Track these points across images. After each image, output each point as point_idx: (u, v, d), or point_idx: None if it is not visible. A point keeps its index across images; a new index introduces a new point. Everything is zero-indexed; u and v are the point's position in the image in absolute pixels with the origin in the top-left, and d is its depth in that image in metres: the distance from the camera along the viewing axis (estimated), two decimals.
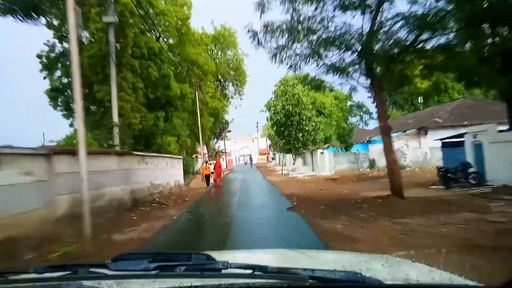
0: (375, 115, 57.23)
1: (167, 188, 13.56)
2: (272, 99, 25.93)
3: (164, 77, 20.72)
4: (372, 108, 58.63)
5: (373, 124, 56.45)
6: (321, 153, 20.92)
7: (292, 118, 23.85)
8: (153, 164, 11.78)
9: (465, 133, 12.46)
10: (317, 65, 8.69)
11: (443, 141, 14.63)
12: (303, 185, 14.67)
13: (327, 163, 19.99)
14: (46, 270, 1.12)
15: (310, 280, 0.95)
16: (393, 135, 21.29)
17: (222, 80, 36.79)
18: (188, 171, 23.35)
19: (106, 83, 19.28)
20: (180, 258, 1.13)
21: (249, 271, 1.00)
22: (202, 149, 22.85)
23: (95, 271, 1.09)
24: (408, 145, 18.43)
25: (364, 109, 58.62)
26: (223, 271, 1.02)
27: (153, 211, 8.68)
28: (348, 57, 8.67)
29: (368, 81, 9.05)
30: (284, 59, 8.36)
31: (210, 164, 19.57)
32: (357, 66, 8.92)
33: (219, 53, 34.61)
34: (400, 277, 1.23)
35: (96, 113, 21.71)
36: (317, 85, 9.86)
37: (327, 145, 23.14)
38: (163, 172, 13.28)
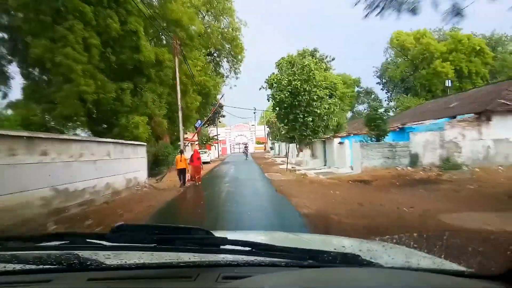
0: (384, 103, 52.04)
1: (106, 194, 8.33)
2: (276, 73, 20.57)
3: (130, 35, 15.20)
4: (382, 94, 53.25)
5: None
6: (340, 143, 15.76)
7: (300, 97, 18.60)
8: (65, 155, 6.54)
9: None
10: None
11: None
12: (324, 191, 9.48)
13: (347, 156, 14.89)
14: (43, 239, 1.15)
15: (309, 260, 0.91)
16: (439, 120, 16.21)
17: (215, 54, 31.25)
18: (167, 162, 18.18)
19: (43, 34, 13.80)
20: (179, 232, 1.08)
21: (247, 249, 0.98)
22: (182, 133, 17.56)
23: (93, 242, 1.06)
24: (465, 136, 13.28)
25: (372, 96, 53.57)
26: (221, 247, 0.99)
27: None
28: None
29: None
30: None
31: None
32: None
33: (213, 22, 28.85)
34: (400, 261, 1.19)
35: (43, 79, 16.14)
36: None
37: (345, 132, 17.97)
38: (98, 168, 8.01)
